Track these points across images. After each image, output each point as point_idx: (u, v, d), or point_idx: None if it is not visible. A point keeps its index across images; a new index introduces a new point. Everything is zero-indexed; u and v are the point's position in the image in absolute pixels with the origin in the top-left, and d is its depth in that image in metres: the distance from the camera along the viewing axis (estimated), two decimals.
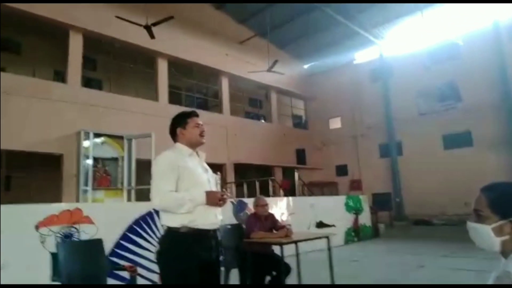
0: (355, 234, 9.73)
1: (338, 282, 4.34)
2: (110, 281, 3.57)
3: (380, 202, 15.31)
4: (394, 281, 5.13)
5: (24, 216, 4.53)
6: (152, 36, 10.13)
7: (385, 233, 11.00)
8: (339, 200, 10.03)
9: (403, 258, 7.12)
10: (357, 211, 10.05)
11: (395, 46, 17.49)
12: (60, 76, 12.74)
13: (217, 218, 2.25)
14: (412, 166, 16.00)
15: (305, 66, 20.24)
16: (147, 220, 5.59)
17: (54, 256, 4.41)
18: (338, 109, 18.97)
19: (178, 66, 14.42)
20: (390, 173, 16.80)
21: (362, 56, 18.82)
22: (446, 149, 15.33)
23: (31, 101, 10.00)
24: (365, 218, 10.34)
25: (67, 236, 4.71)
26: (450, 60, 15.44)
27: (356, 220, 9.90)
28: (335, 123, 19.47)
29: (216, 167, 2.61)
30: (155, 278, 5.45)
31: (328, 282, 4.22)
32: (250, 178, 14.70)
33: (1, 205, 4.74)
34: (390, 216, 14.93)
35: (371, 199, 14.70)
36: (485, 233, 1.16)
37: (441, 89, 15.77)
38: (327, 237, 4.34)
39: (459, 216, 13.89)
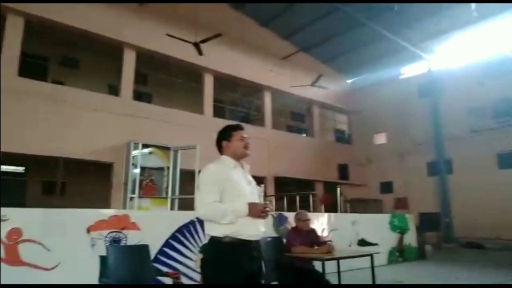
0: (400, 254, 9.31)
1: None
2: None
3: (427, 222, 14.55)
4: None
5: (76, 220, 4.81)
6: (200, 52, 10.54)
7: (432, 255, 10.42)
8: (383, 218, 9.68)
9: (451, 282, 6.70)
10: (402, 230, 9.63)
11: (445, 60, 16.81)
12: (113, 89, 13.56)
13: (259, 229, 2.30)
14: (463, 185, 15.12)
15: (349, 81, 19.98)
16: (189, 228, 5.73)
17: (102, 258, 4.64)
18: (384, 124, 18.44)
19: (222, 81, 14.82)
20: (439, 192, 15.98)
21: (410, 70, 18.25)
22: (502, 168, 14.36)
23: (86, 112, 10.70)
24: (411, 238, 9.88)
25: (115, 241, 4.93)
26: (506, 75, 14.58)
27: (401, 239, 9.49)
28: (380, 139, 18.90)
29: (256, 180, 2.66)
30: None
31: None
32: (291, 192, 14.61)
33: (57, 209, 5.10)
34: (438, 237, 14.12)
35: (418, 218, 14.04)
36: None
37: (495, 105, 14.88)
38: (370, 255, 4.21)
39: None
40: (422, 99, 17.15)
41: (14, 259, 4.22)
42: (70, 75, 13.18)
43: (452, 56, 16.57)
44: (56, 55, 12.07)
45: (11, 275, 4.16)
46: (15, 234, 4.28)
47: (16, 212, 4.45)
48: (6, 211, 4.32)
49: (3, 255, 4.17)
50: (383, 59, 17.50)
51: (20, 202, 10.57)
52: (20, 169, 12.92)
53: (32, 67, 11.09)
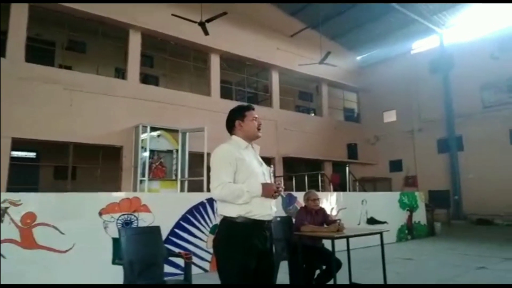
0: (409, 232, 9.35)
1: (390, 280, 4.21)
2: (166, 267, 3.77)
3: (437, 199, 14.54)
4: (450, 281, 4.88)
5: (88, 204, 4.89)
6: (206, 32, 10.38)
7: (441, 232, 10.43)
8: (392, 197, 9.67)
9: (461, 258, 6.72)
10: (411, 208, 9.64)
11: (457, 34, 16.35)
12: (120, 73, 13.53)
13: (272, 209, 2.31)
14: (474, 162, 14.97)
15: (358, 58, 19.62)
16: (199, 210, 5.80)
17: (115, 241, 4.74)
18: (394, 101, 18.15)
19: (229, 61, 14.67)
20: (448, 169, 15.86)
21: (421, 45, 17.81)
22: None
23: (94, 96, 10.73)
24: (420, 216, 9.89)
25: (127, 223, 5.02)
26: None
27: (410, 217, 9.50)
28: (390, 116, 18.64)
29: (265, 161, 2.65)
30: (207, 266, 5.66)
31: (380, 279, 4.11)
32: (299, 172, 14.65)
33: (69, 193, 5.18)
34: (448, 215, 14.12)
35: (428, 196, 14.01)
36: None
37: (510, 79, 14.50)
38: (380, 233, 4.22)
39: None
40: (433, 75, 16.80)
41: (29, 243, 4.33)
42: (77, 59, 13.15)
43: (464, 29, 16.09)
44: (62, 40, 12.00)
45: (28, 258, 4.28)
46: (29, 218, 4.37)
47: (29, 197, 4.54)
48: (19, 196, 4.41)
49: (18, 239, 4.28)
50: (393, 33, 17.09)
51: (32, 187, 10.79)
52: (32, 154, 13.12)
53: (38, 52, 11.06)
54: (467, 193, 15.11)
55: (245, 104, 2.53)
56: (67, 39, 12.12)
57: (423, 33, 16.70)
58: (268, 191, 2.21)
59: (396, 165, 17.86)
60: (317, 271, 4.36)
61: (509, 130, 14.32)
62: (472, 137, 15.25)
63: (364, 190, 14.57)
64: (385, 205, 9.07)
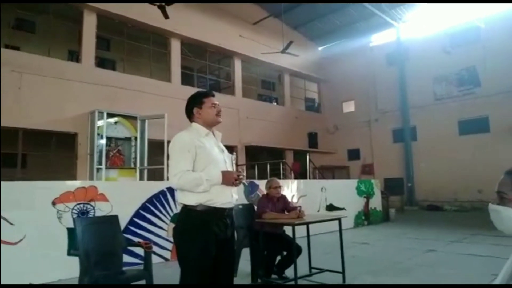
0: (365, 217, 9.75)
1: (348, 263, 4.37)
2: (126, 257, 3.66)
3: (392, 187, 15.25)
4: (402, 263, 5.15)
5: (40, 193, 4.64)
6: (166, 16, 10.04)
7: (396, 217, 10.98)
8: (350, 184, 10.02)
9: (413, 242, 7.11)
10: (368, 195, 10.03)
11: (413, 28, 17.03)
12: (74, 55, 12.80)
13: (232, 197, 2.29)
14: (426, 151, 15.82)
15: (320, 48, 19.93)
16: (160, 198, 5.69)
17: (70, 231, 4.54)
18: (352, 92, 18.71)
19: (190, 47, 14.33)
20: (403, 158, 16.65)
21: (379, 39, 18.39)
22: (462, 135, 15.06)
23: (45, 80, 10.11)
24: (376, 203, 10.33)
25: (83, 213, 4.82)
26: (471, 44, 14.99)
27: (366, 204, 9.90)
28: (349, 107, 19.23)
29: (228, 149, 2.61)
30: (168, 255, 5.59)
31: (338, 263, 4.25)
32: (261, 161, 14.75)
33: (18, 182, 4.87)
34: (402, 201, 14.87)
35: (383, 183, 14.64)
36: (508, 216, 1.15)
37: (459, 74, 15.36)
38: (338, 219, 4.35)
39: (472, 202, 13.81)
40: (390, 68, 17.45)
41: None
42: (26, 39, 12.29)
43: (419, 24, 16.80)
44: (9, 18, 11.14)
45: None
46: None
47: None
48: None
49: None
50: (353, 25, 17.53)
51: None
52: None
53: None
54: (419, 181, 15.97)
55: (203, 90, 2.48)
56: (14, 17, 11.27)
57: (381, 26, 17.23)
58: (228, 179, 2.20)
59: (354, 154, 18.50)
60: (278, 257, 4.44)
61: (457, 122, 15.22)
62: (424, 127, 16.08)
63: (324, 178, 14.97)
64: (344, 192, 9.37)
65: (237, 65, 15.90)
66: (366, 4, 14.66)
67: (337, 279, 4.22)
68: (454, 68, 15.39)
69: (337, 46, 19.03)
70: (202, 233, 2.14)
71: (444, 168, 14.86)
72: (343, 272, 4.21)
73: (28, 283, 4.26)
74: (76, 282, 3.18)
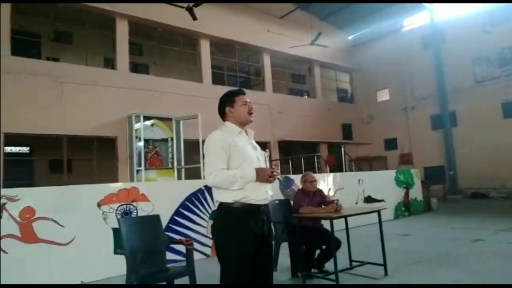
0: (406, 208, 9.48)
1: (389, 255, 4.28)
2: (168, 255, 3.80)
3: (432, 176, 14.69)
4: (447, 254, 4.97)
5: (86, 196, 4.89)
6: (194, 17, 10.20)
7: (438, 207, 10.60)
8: (388, 175, 9.76)
9: (457, 231, 6.85)
10: (407, 185, 9.74)
11: (448, 9, 16.23)
12: (109, 62, 13.31)
13: (267, 193, 2.31)
14: (468, 137, 15.09)
15: (350, 37, 19.47)
16: (198, 196, 5.83)
17: (115, 231, 4.76)
18: (386, 80, 18.13)
19: (219, 46, 14.48)
20: (443, 145, 15.99)
21: (411, 22, 17.69)
22: (506, 118, 14.24)
23: (84, 88, 10.58)
24: (417, 193, 10.01)
25: (126, 213, 5.03)
26: None
27: (406, 194, 9.62)
28: (383, 95, 18.66)
29: (260, 145, 2.62)
30: (208, 251, 5.72)
31: (379, 255, 4.18)
32: (295, 155, 14.69)
33: (66, 186, 5.16)
34: (444, 190, 14.32)
35: (423, 173, 14.15)
36: None
37: (502, 53, 14.48)
38: (378, 211, 4.27)
39: None
40: (424, 52, 16.76)
41: (30, 237, 4.34)
42: (65, 50, 12.89)
43: (454, 4, 15.97)
44: (48, 31, 11.74)
45: (29, 252, 4.29)
46: (28, 213, 4.37)
47: (27, 192, 4.53)
48: (16, 191, 4.39)
49: (18, 234, 4.28)
50: (383, 11, 16.90)
51: (28, 181, 10.74)
52: (25, 149, 13.01)
53: (24, 44, 10.85)
54: (462, 168, 15.29)
55: (235, 89, 2.49)
56: (52, 30, 11.87)
57: (413, 9, 16.57)
58: (262, 176, 2.21)
59: (391, 144, 17.97)
60: (317, 251, 4.42)
61: (500, 104, 14.41)
62: (465, 112, 15.33)
63: (360, 170, 14.69)
64: (382, 183, 9.15)
65: (266, 60, 15.88)
66: None
67: (379, 272, 4.16)
68: (495, 47, 14.53)
69: (367, 33, 18.50)
70: (239, 229, 2.18)
71: (488, 154, 14.11)
72: (384, 265, 4.14)
73: (79, 282, 4.52)
74: (123, 279, 3.34)
